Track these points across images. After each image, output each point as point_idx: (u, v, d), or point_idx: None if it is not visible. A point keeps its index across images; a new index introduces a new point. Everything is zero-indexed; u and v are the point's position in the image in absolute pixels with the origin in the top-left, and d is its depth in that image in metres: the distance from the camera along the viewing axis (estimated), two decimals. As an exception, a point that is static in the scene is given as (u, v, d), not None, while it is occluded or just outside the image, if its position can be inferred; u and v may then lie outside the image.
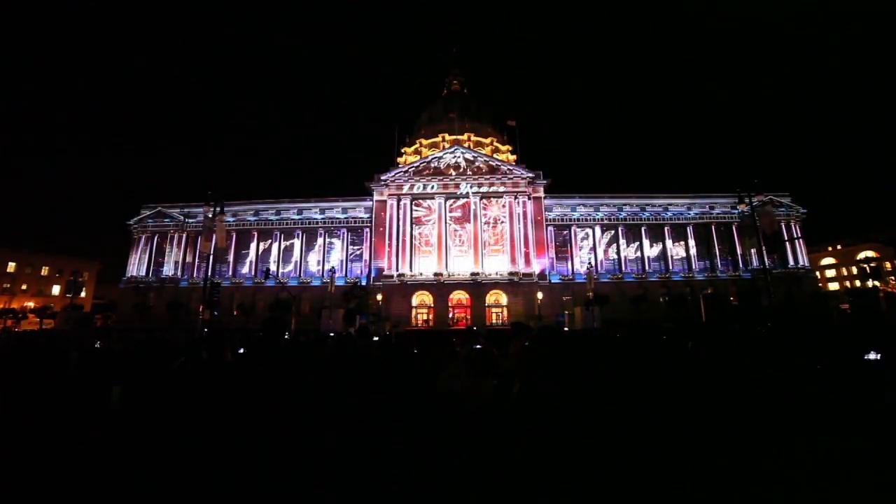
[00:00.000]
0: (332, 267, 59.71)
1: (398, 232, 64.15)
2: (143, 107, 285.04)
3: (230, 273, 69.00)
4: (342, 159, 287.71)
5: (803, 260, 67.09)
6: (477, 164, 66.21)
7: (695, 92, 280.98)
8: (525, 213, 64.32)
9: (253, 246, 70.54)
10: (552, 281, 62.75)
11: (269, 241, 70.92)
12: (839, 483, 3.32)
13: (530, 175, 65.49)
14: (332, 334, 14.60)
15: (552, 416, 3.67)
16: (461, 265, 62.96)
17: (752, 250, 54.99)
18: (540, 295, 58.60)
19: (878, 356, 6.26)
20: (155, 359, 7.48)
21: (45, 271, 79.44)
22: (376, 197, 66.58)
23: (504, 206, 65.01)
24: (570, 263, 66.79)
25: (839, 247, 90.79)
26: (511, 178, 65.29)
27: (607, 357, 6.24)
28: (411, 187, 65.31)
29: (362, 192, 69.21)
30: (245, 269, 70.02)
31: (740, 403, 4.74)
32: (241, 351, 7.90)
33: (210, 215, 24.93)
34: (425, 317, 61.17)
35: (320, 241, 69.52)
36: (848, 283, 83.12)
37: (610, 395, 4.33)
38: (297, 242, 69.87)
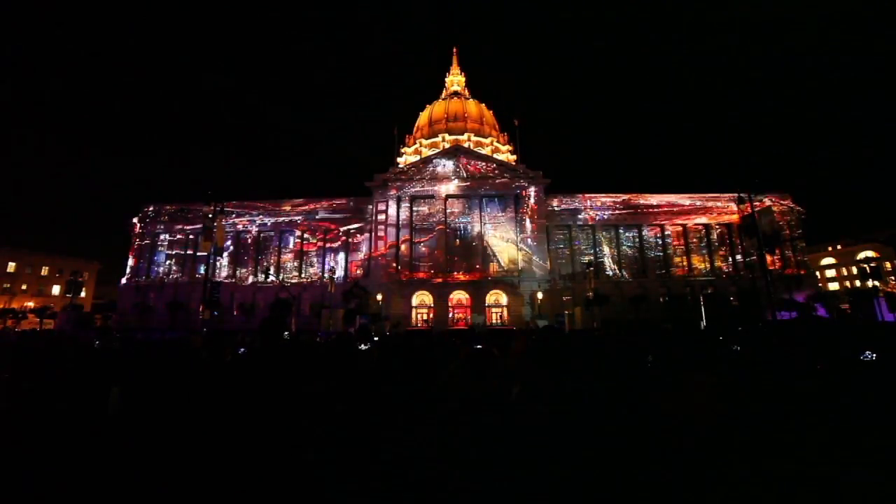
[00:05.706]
0: (332, 267, 59.70)
1: (398, 232, 64.13)
2: (144, 107, 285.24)
3: (230, 273, 69.00)
4: (343, 160, 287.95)
5: (803, 260, 67.12)
6: (477, 164, 66.20)
7: (696, 92, 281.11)
8: (525, 213, 64.27)
9: (253, 245, 70.56)
10: (552, 281, 62.69)
11: (269, 240, 70.95)
12: (839, 480, 3.33)
13: (530, 175, 65.43)
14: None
15: (551, 414, 3.68)
16: (461, 265, 62.92)
17: (752, 251, 55.08)
18: (540, 295, 58.60)
19: (875, 356, 6.27)
20: (155, 359, 7.47)
21: (45, 271, 79.36)
22: (376, 197, 66.56)
23: (504, 205, 64.98)
24: (569, 263, 66.80)
25: (839, 247, 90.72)
26: (511, 178, 65.27)
27: (605, 357, 6.25)
28: (411, 187, 65.29)
29: (363, 192, 69.20)
30: (245, 269, 70.03)
31: (739, 402, 4.75)
32: (241, 351, 7.92)
33: (210, 215, 24.99)
34: (425, 317, 61.12)
35: (320, 241, 69.53)
36: (848, 283, 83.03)
37: (608, 394, 4.34)
38: (296, 242, 69.87)
